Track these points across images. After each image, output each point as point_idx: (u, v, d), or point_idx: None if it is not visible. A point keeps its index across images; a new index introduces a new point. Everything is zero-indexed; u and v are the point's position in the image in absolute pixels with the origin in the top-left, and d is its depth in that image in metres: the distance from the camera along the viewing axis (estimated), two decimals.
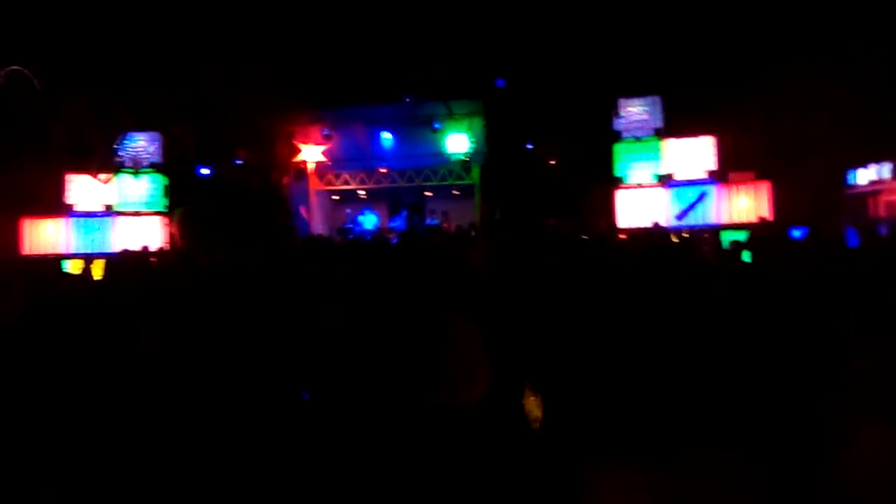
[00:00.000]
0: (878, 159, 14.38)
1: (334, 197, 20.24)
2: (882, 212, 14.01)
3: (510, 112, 16.27)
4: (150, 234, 15.10)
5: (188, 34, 14.42)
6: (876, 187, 14.44)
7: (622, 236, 13.00)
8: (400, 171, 18.55)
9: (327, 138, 17.56)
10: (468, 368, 2.26)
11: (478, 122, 17.27)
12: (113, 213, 15.25)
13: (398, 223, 17.97)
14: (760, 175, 14.04)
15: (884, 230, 12.39)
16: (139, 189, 15.41)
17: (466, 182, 18.36)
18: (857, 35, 13.81)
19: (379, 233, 17.13)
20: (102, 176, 14.95)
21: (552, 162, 16.48)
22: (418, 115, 17.14)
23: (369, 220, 18.27)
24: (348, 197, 20.04)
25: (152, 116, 15.03)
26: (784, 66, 14.00)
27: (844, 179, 15.28)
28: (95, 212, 15.20)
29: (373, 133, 17.69)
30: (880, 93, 13.51)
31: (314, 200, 18.79)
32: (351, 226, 17.87)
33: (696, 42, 14.74)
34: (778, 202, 13.70)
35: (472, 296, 4.57)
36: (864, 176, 14.82)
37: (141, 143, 15.48)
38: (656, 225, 12.66)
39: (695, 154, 14.31)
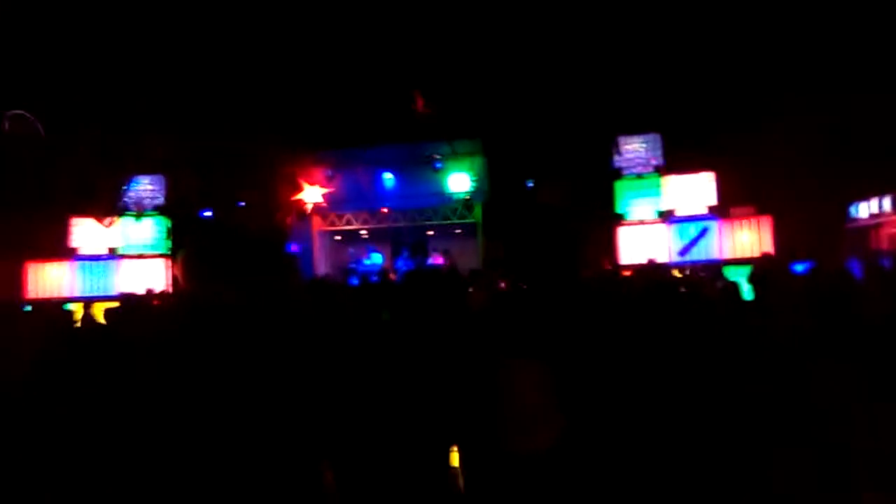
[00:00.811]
0: (879, 192, 14.43)
1: (337, 237, 20.31)
2: (884, 244, 14.03)
3: (511, 151, 16.38)
4: (153, 276, 15.15)
5: (192, 77, 14.61)
6: (877, 220, 14.47)
7: (626, 273, 13.00)
8: (402, 211, 18.63)
9: (330, 179, 17.66)
10: (537, 414, 2.17)
11: (479, 162, 17.39)
12: (117, 256, 15.32)
13: (400, 263, 17.98)
14: (761, 209, 14.10)
15: (887, 263, 12.35)
16: (143, 232, 15.50)
17: (469, 221, 18.42)
18: (855, 67, 13.96)
19: (384, 273, 17.14)
20: (106, 220, 15.04)
21: (554, 200, 16.53)
22: (420, 155, 17.26)
23: (373, 260, 18.31)
24: (351, 237, 20.10)
25: (156, 160, 15.16)
26: (783, 99, 14.14)
27: (846, 213, 15.31)
28: (99, 255, 15.27)
29: (375, 173, 17.80)
30: (880, 125, 13.61)
31: (317, 241, 18.86)
32: (354, 266, 17.89)
33: (695, 78, 14.90)
34: (779, 236, 13.73)
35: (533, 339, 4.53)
36: (865, 209, 14.86)
37: (145, 187, 15.61)
38: (651, 262, 12.67)
39: (695, 190, 14.39)
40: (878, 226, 14.40)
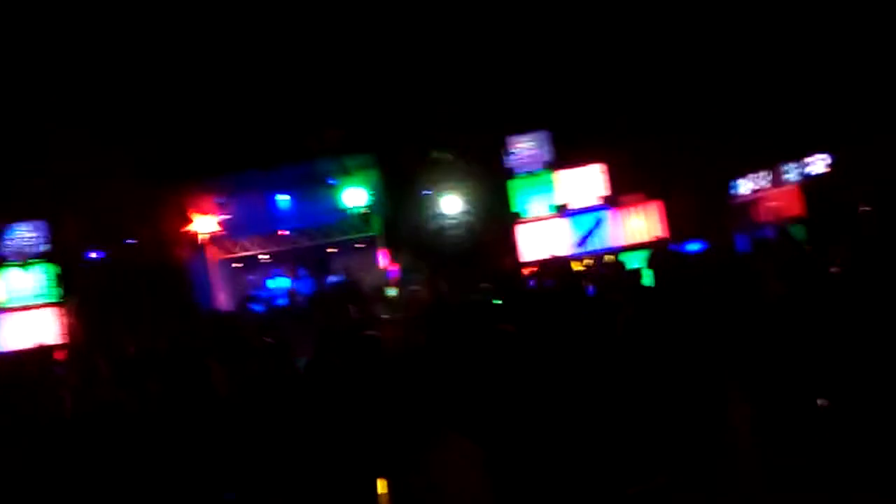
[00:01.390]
0: (755, 169, 15.19)
1: (236, 265, 19.80)
2: (765, 217, 14.77)
3: (404, 161, 16.40)
4: (42, 328, 14.35)
5: (69, 117, 13.99)
6: (757, 195, 15.23)
7: (528, 270, 13.20)
8: (300, 231, 18.34)
9: (222, 206, 17.17)
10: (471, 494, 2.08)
11: (373, 174, 17.31)
12: (1, 309, 14.45)
13: (301, 284, 17.64)
14: (650, 195, 14.61)
15: (769, 233, 13.03)
16: (27, 282, 14.67)
17: (369, 234, 18.31)
18: (727, 47, 14.65)
19: (292, 295, 16.81)
20: None
21: (450, 204, 16.65)
22: (313, 174, 17.04)
23: (278, 284, 17.92)
24: (250, 263, 19.64)
25: (32, 205, 14.41)
26: (661, 87, 14.70)
27: (728, 190, 16.05)
28: None
29: (268, 196, 17.43)
30: (756, 101, 14.33)
31: (215, 271, 18.32)
32: (257, 292, 17.48)
33: (578, 73, 15.31)
34: (670, 219, 14.26)
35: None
36: (745, 185, 15.61)
37: (25, 234, 14.80)
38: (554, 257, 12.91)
39: (586, 182, 14.77)
40: (758, 200, 15.15)
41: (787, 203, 14.12)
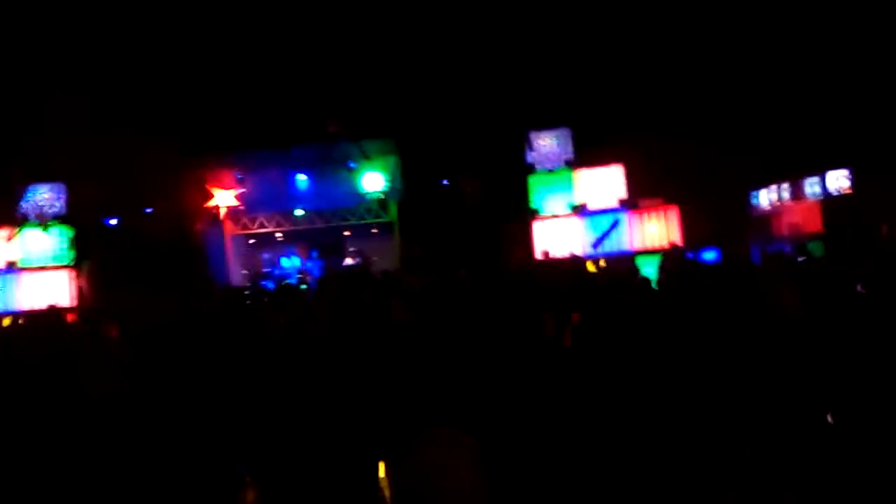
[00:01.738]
0: (776, 181, 15.09)
1: (251, 241, 19.88)
2: (784, 231, 14.68)
3: (424, 148, 16.39)
4: (57, 289, 14.49)
5: (93, 79, 14.03)
6: (777, 208, 15.13)
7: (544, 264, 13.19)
8: (317, 212, 18.37)
9: (240, 182, 17.24)
10: (465, 490, 2.08)
11: (393, 160, 17.31)
12: (17, 269, 14.57)
13: (312, 265, 17.66)
14: (669, 200, 14.54)
15: (787, 248, 12.94)
16: (44, 243, 14.80)
17: (384, 220, 18.33)
18: (753, 58, 14.54)
19: (303, 275, 16.87)
20: (3, 233, 14.30)
21: (469, 196, 16.64)
22: (333, 156, 17.05)
23: (292, 263, 17.97)
24: (266, 240, 19.71)
25: (54, 168, 14.50)
26: (688, 93, 14.61)
27: (748, 201, 15.96)
28: None
29: (288, 175, 17.47)
30: (779, 113, 14.23)
31: (230, 245, 18.40)
32: (271, 269, 17.54)
33: (603, 73, 15.23)
34: (687, 226, 14.19)
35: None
36: (765, 197, 15.51)
37: (45, 196, 14.91)
38: (573, 256, 12.90)
39: (606, 183, 14.71)
40: (778, 214, 15.06)
41: (805, 218, 14.03)
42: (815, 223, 13.67)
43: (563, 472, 4.03)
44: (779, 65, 14.47)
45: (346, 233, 19.66)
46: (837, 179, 13.74)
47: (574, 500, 3.95)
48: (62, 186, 15.05)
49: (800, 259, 8.61)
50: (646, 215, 14.40)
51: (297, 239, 19.46)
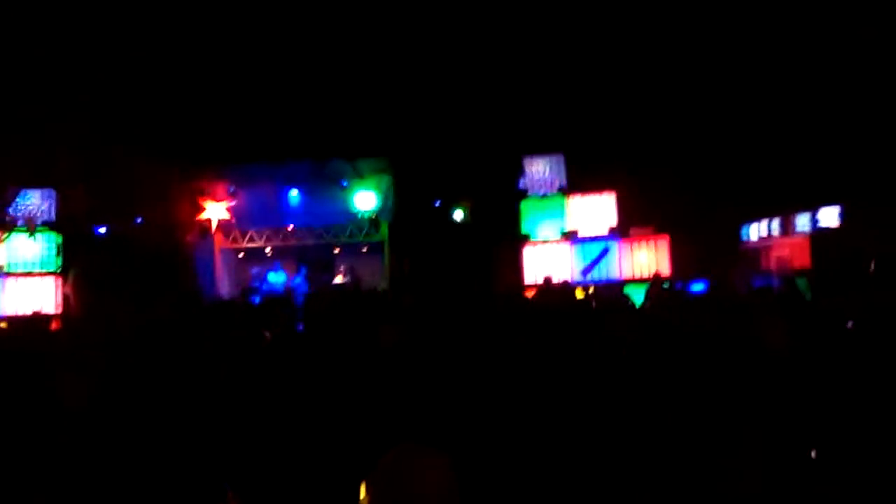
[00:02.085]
0: (767, 215, 15.16)
1: (240, 255, 19.82)
2: (773, 265, 14.73)
3: (418, 169, 16.43)
4: (42, 296, 14.38)
5: (86, 86, 14.03)
6: (766, 242, 15.20)
7: (529, 292, 13.20)
8: (308, 229, 18.35)
9: (232, 195, 17.21)
10: None
11: (386, 180, 17.32)
12: (2, 274, 14.46)
13: (299, 282, 17.57)
14: (660, 230, 14.59)
15: (775, 283, 12.98)
16: (31, 248, 14.70)
17: (375, 239, 18.31)
18: (747, 93, 14.68)
19: (289, 292, 16.76)
20: None
21: (459, 218, 16.68)
22: (326, 173, 17.06)
23: (279, 278, 17.87)
24: (255, 255, 19.64)
25: (45, 172, 14.44)
26: (681, 123, 14.72)
27: (739, 233, 16.03)
28: None
29: (280, 190, 17.45)
30: (771, 149, 14.35)
31: (219, 259, 18.33)
32: (258, 284, 17.44)
33: (597, 102, 15.34)
34: (676, 256, 14.23)
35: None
36: (755, 231, 15.58)
37: (34, 201, 14.83)
38: (547, 280, 12.91)
39: (597, 210, 14.75)
40: (767, 247, 15.12)
41: (794, 253, 14.10)
42: (803, 258, 13.73)
43: (540, 491, 4.00)
44: (774, 100, 14.60)
45: (336, 250, 19.62)
46: (829, 217, 13.82)
47: None
48: (52, 192, 14.98)
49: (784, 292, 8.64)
50: (636, 244, 14.43)
51: (287, 255, 19.40)
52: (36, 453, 3.71)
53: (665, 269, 13.80)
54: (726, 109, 14.80)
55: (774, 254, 14.77)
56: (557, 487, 4.00)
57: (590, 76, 15.39)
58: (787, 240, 14.53)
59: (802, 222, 14.15)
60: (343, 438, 3.94)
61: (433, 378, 4.98)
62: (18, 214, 14.69)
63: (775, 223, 14.87)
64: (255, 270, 18.06)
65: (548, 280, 13.03)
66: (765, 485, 2.74)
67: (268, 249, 19.29)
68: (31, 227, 14.61)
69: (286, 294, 16.65)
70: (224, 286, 18.07)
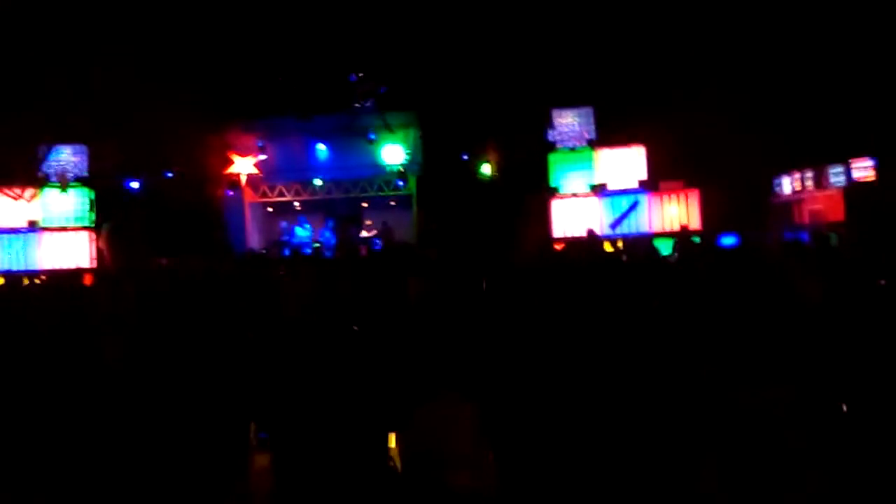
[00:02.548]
0: (800, 168, 14.89)
1: (269, 209, 19.96)
2: (806, 219, 14.52)
3: (445, 123, 16.32)
4: (77, 250, 14.64)
5: (116, 44, 14.04)
6: (799, 196, 14.95)
7: (559, 245, 13.18)
8: (336, 182, 18.40)
9: (261, 149, 17.29)
10: (469, 454, 2.08)
11: (413, 133, 17.26)
12: (38, 228, 14.72)
13: (327, 236, 17.66)
14: (689, 183, 14.42)
15: (805, 237, 12.82)
16: (65, 204, 14.93)
17: (403, 193, 18.33)
18: (781, 44, 14.33)
19: (318, 248, 16.88)
20: (24, 192, 14.40)
21: (488, 172, 16.60)
22: (354, 126, 17.03)
23: (307, 232, 17.98)
24: (283, 208, 19.77)
25: (76, 129, 14.56)
26: (712, 76, 14.43)
27: (771, 187, 15.78)
28: (19, 228, 14.64)
29: (308, 144, 17.50)
30: (804, 101, 14.04)
31: (249, 212, 18.49)
32: (287, 238, 17.58)
33: (626, 52, 15.06)
34: (707, 210, 14.09)
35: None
36: (787, 185, 15.32)
37: (66, 157, 15.00)
38: (590, 233, 12.88)
39: (627, 164, 14.62)
40: (800, 201, 14.89)
41: (828, 207, 13.87)
42: (837, 212, 13.51)
43: (566, 438, 4.06)
44: (808, 51, 14.25)
45: (364, 204, 19.67)
46: (862, 169, 13.53)
47: (576, 466, 3.98)
48: (84, 148, 15.13)
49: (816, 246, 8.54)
50: (666, 198, 14.30)
51: (315, 208, 19.49)
52: (75, 405, 3.82)
53: (695, 223, 13.70)
54: (757, 60, 14.46)
55: (807, 207, 14.54)
56: (582, 437, 4.05)
57: (619, 28, 15.09)
58: (820, 193, 14.28)
59: (836, 176, 13.86)
60: (370, 387, 4.00)
61: (458, 329, 5.03)
62: (51, 170, 14.88)
63: (808, 176, 14.59)
64: (283, 224, 18.18)
65: (591, 232, 12.95)
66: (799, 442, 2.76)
67: (296, 203, 19.40)
68: (63, 183, 14.80)
69: (316, 246, 16.80)
70: (254, 240, 18.25)
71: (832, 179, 13.92)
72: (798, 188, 14.96)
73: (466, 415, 2.18)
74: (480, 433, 2.19)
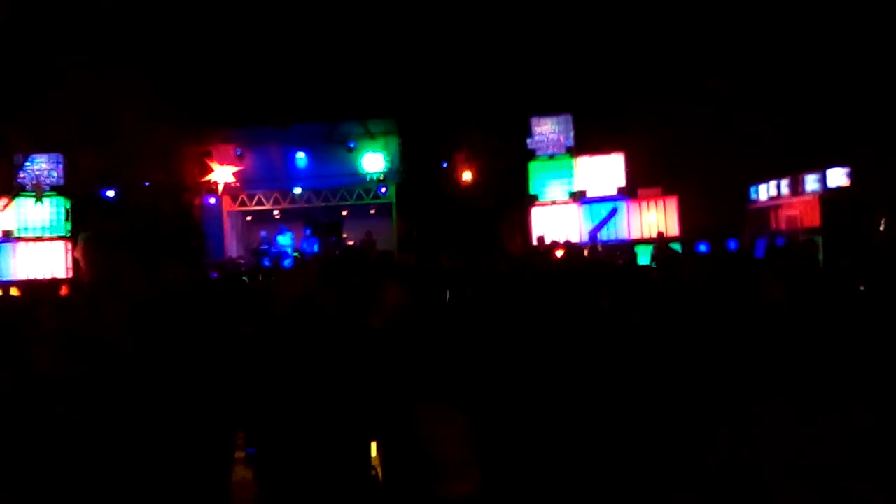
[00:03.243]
0: (775, 176, 15.06)
1: (248, 218, 19.87)
2: (783, 225, 14.67)
3: (425, 130, 16.35)
4: (52, 260, 14.48)
5: (94, 53, 13.94)
6: (776, 202, 15.12)
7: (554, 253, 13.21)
8: (315, 191, 18.36)
9: (240, 158, 17.22)
10: (455, 463, 2.09)
11: (393, 141, 17.27)
12: (13, 238, 14.55)
13: (305, 244, 17.59)
14: (667, 190, 14.54)
15: (781, 241, 12.93)
16: (40, 213, 14.76)
17: (383, 201, 18.32)
18: (757, 54, 14.50)
19: (299, 256, 16.80)
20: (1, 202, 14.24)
21: (468, 180, 16.63)
22: (333, 135, 17.01)
23: (286, 240, 17.90)
24: (263, 217, 19.69)
25: (53, 137, 14.41)
26: (689, 84, 14.57)
27: (747, 194, 15.94)
28: None
29: (287, 153, 17.44)
30: (779, 110, 14.20)
31: (227, 221, 18.39)
32: (266, 247, 17.49)
33: (605, 60, 15.17)
34: (684, 216, 14.20)
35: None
36: (764, 191, 15.49)
37: (42, 166, 14.85)
38: (568, 242, 12.93)
39: (606, 171, 14.71)
40: (776, 207, 15.04)
41: (804, 213, 14.03)
42: (813, 218, 13.66)
43: (553, 449, 4.06)
44: (784, 59, 14.43)
45: (344, 213, 19.65)
46: (837, 177, 13.71)
47: (563, 477, 3.98)
48: (59, 157, 14.99)
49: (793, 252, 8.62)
50: (645, 204, 14.40)
51: (295, 217, 19.44)
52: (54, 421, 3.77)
53: (674, 230, 13.80)
54: (733, 68, 14.63)
55: (784, 213, 14.71)
56: (568, 448, 4.05)
57: (597, 35, 15.20)
58: (796, 199, 14.44)
59: (811, 182, 14.03)
60: (352, 397, 3.99)
61: (440, 336, 5.03)
62: (27, 179, 14.72)
63: (784, 183, 14.76)
64: (263, 233, 18.10)
65: (541, 240, 13.05)
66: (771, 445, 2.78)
67: (276, 212, 19.33)
68: (38, 192, 14.64)
69: (297, 255, 16.73)
70: (232, 249, 18.15)
71: (808, 186, 14.08)
72: (774, 194, 15.12)
73: (453, 423, 2.18)
74: (467, 443, 2.19)
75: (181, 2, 14.68)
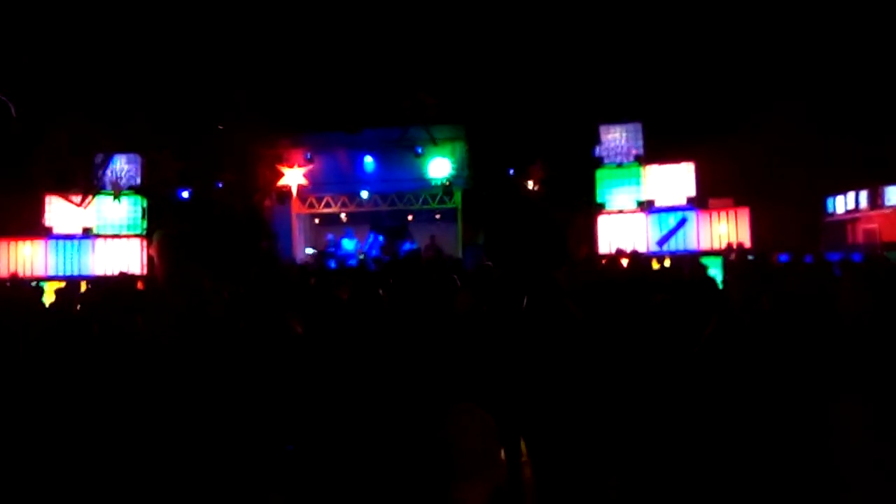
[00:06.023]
0: (856, 187, 14.56)
1: (316, 220, 20.20)
2: (860, 239, 14.18)
3: (493, 138, 16.34)
4: (129, 257, 14.97)
5: (171, 55, 14.38)
6: (853, 215, 14.61)
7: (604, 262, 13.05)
8: (382, 195, 18.56)
9: (309, 161, 17.56)
10: (481, 464, 2.10)
11: (460, 147, 17.33)
12: (92, 235, 15.10)
13: (369, 248, 17.77)
14: (740, 201, 14.18)
15: (857, 257, 12.50)
16: (118, 211, 15.29)
17: (448, 206, 18.38)
18: (835, 65, 14.07)
19: (363, 260, 16.99)
20: (76, 198, 14.78)
21: (535, 187, 16.55)
22: (401, 140, 17.16)
23: (350, 244, 18.13)
24: (330, 220, 19.99)
25: (133, 139, 14.92)
26: (764, 93, 14.22)
27: (823, 206, 15.46)
28: (74, 234, 15.04)
29: (355, 157, 17.71)
30: (858, 119, 13.75)
31: (296, 223, 18.74)
32: (333, 250, 17.76)
33: (677, 68, 14.93)
34: (756, 228, 13.83)
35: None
36: (841, 204, 14.99)
37: (121, 166, 15.38)
38: (634, 252, 12.74)
39: (675, 180, 14.43)
40: (854, 220, 14.54)
41: (883, 226, 13.53)
42: (892, 232, 13.16)
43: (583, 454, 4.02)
44: (861, 68, 13.96)
45: (410, 217, 19.78)
46: None
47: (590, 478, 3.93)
48: (137, 157, 15.50)
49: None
50: (715, 215, 14.08)
51: (361, 220, 19.67)
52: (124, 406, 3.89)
53: (746, 241, 13.44)
54: (810, 77, 14.21)
55: (861, 227, 14.18)
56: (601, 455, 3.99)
57: (669, 43, 14.97)
58: (875, 212, 13.92)
59: (892, 194, 13.51)
60: (396, 399, 4.02)
61: (499, 343, 5.03)
62: (106, 178, 15.26)
63: (863, 195, 14.24)
64: (329, 236, 18.37)
65: (620, 251, 12.85)
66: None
67: (343, 215, 19.59)
68: (116, 191, 15.16)
69: (360, 258, 16.93)
70: (301, 250, 18.47)
71: (888, 199, 13.57)
72: (851, 207, 14.61)
73: (481, 422, 2.19)
74: (495, 441, 2.20)
75: (260, 9, 15.02)
